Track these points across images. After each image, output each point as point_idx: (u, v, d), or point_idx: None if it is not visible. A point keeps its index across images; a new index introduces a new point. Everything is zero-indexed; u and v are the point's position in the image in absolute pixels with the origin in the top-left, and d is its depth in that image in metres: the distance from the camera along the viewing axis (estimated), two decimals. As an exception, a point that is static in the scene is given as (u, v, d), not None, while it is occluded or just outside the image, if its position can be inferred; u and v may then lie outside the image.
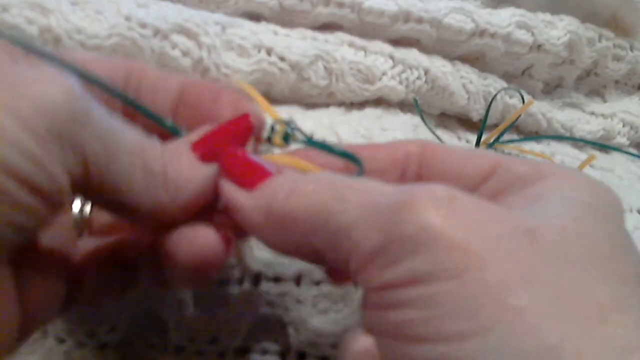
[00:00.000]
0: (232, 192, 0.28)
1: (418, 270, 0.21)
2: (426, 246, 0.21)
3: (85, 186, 0.24)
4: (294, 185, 0.25)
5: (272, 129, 0.32)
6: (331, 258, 0.24)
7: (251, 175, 0.27)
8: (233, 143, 0.29)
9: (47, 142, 0.22)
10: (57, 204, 0.23)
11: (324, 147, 0.31)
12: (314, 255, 0.25)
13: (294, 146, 0.32)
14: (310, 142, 0.32)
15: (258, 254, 0.36)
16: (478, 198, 0.23)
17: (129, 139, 0.25)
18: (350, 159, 0.30)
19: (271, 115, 0.33)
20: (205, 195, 0.28)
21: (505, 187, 0.26)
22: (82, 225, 0.30)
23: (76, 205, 0.30)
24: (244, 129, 0.30)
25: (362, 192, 0.24)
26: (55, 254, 0.27)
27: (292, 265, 0.36)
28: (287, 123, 0.32)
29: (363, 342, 0.24)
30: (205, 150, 0.28)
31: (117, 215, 0.28)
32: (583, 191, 0.24)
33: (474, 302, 0.20)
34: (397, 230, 0.21)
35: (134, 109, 0.29)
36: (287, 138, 0.32)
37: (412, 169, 0.29)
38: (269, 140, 0.32)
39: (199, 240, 0.27)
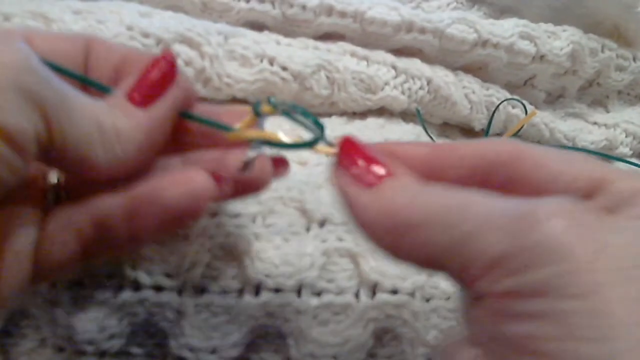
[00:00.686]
0: (350, 186, 0.27)
1: (546, 282, 0.20)
2: (555, 260, 0.20)
3: (48, 147, 0.25)
4: (416, 191, 0.25)
5: (256, 106, 0.32)
6: (447, 264, 0.24)
7: (370, 172, 0.27)
8: (163, 82, 0.30)
9: (13, 97, 0.23)
10: (27, 157, 0.24)
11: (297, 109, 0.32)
12: (426, 261, 0.25)
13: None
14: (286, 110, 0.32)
15: (259, 265, 0.36)
16: (613, 216, 0.22)
17: (81, 99, 0.27)
18: (314, 124, 0.31)
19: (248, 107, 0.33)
20: (157, 137, 0.29)
21: (613, 206, 0.24)
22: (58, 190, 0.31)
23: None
24: (167, 66, 0.30)
25: (482, 202, 0.24)
26: None
27: (292, 275, 0.36)
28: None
29: (469, 353, 0.24)
30: (140, 97, 0.29)
31: (78, 175, 0.29)
32: None
33: (602, 328, 0.19)
34: (525, 238, 0.21)
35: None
36: (274, 105, 0.32)
37: (499, 173, 0.27)
38: (257, 113, 0.31)
39: (193, 183, 0.28)
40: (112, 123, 0.27)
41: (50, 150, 0.25)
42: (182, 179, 0.29)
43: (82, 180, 0.29)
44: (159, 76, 0.30)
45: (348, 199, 0.27)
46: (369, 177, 0.27)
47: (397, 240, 0.25)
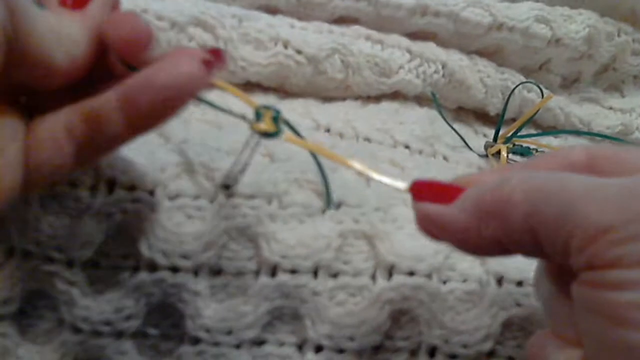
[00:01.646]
0: (431, 209, 0.28)
1: None
2: None
3: (13, 45, 0.26)
4: (500, 179, 0.26)
5: (258, 115, 0.32)
6: (548, 239, 0.24)
7: (448, 194, 0.28)
8: None
9: None
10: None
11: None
12: (526, 242, 0.25)
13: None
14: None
15: (275, 246, 0.36)
16: None
17: (35, 7, 0.27)
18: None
19: (251, 104, 0.33)
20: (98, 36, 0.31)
21: None
22: None
23: None
24: None
25: (580, 178, 0.24)
26: None
27: (309, 257, 0.36)
28: (269, 107, 0.33)
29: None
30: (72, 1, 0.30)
31: (38, 82, 0.29)
32: None
33: None
34: (633, 211, 0.21)
35: None
36: (276, 120, 0.32)
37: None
38: (256, 122, 0.32)
39: (184, 65, 0.29)
40: (62, 26, 0.29)
41: (14, 49, 0.26)
42: (174, 62, 0.29)
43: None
44: None
45: (434, 219, 0.28)
46: (447, 196, 0.28)
47: (491, 225, 0.26)
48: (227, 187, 0.35)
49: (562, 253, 0.23)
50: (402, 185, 0.30)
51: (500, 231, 0.26)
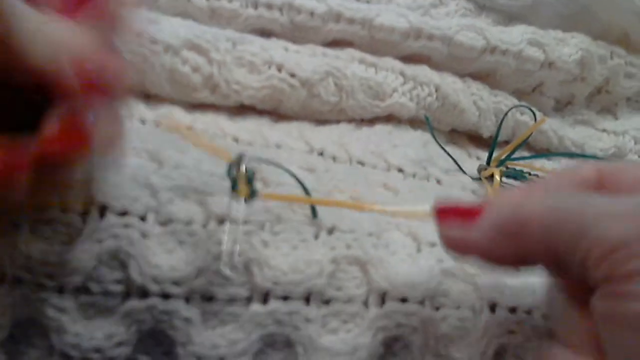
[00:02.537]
0: (454, 233, 0.30)
1: None
2: None
3: None
4: (519, 197, 0.28)
5: (231, 178, 0.32)
6: (566, 256, 0.25)
7: (469, 214, 0.30)
8: None
9: None
10: None
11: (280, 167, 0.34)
12: (546, 260, 0.27)
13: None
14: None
15: (267, 272, 0.35)
16: None
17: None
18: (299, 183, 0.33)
19: (222, 157, 0.33)
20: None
21: None
22: None
23: None
24: None
25: (599, 197, 0.26)
26: None
27: (301, 283, 0.36)
28: (240, 160, 0.32)
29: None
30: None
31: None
32: None
33: None
34: None
35: None
36: (250, 180, 0.32)
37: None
38: (234, 188, 0.32)
39: None
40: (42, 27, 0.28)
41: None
42: None
43: None
44: None
45: (462, 241, 0.30)
46: (468, 216, 0.30)
47: (512, 245, 0.28)
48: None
49: (580, 268, 0.25)
50: (425, 209, 0.32)
51: (520, 250, 0.27)
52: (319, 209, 0.38)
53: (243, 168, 0.33)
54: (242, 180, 0.32)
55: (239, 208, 0.32)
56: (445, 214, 0.31)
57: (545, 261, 0.27)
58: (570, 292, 0.28)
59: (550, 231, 0.26)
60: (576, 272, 0.25)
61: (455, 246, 0.30)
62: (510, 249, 0.28)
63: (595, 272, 0.24)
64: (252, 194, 0.32)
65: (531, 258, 0.28)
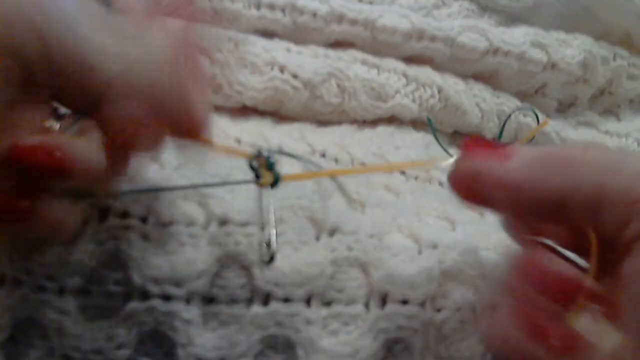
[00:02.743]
0: (484, 165, 0.29)
1: None
2: None
3: (46, 66, 0.24)
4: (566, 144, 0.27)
5: (252, 168, 0.32)
6: (612, 205, 0.24)
7: (501, 151, 0.29)
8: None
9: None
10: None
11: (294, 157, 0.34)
12: (586, 204, 0.25)
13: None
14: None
15: (268, 274, 0.35)
16: None
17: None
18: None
19: (242, 155, 0.32)
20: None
21: None
22: None
23: None
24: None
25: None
26: None
27: (302, 284, 0.36)
28: (258, 155, 0.32)
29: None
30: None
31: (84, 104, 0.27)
32: None
33: None
34: None
35: None
36: (271, 167, 0.32)
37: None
38: (257, 180, 0.32)
39: None
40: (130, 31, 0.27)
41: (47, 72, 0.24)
42: None
43: None
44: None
45: (493, 172, 0.28)
46: (503, 153, 0.28)
47: (569, 177, 0.26)
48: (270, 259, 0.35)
49: (622, 221, 0.24)
50: (449, 161, 0.32)
51: (564, 187, 0.26)
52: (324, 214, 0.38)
53: (265, 154, 0.32)
54: (264, 166, 0.32)
55: (269, 195, 0.32)
56: (476, 145, 0.30)
57: (584, 207, 0.25)
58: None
59: (605, 178, 0.25)
60: (615, 225, 0.24)
61: (479, 183, 0.29)
62: (551, 185, 0.26)
63: (620, 226, 0.24)
64: (275, 181, 0.32)
65: (570, 201, 0.25)
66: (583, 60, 0.60)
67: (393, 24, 0.53)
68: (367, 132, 0.52)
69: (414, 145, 0.52)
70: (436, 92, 0.54)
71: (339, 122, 0.52)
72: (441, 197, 0.46)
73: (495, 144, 0.30)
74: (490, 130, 0.57)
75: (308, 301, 0.36)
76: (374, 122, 0.54)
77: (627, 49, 0.65)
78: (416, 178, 0.49)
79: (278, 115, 0.51)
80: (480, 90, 0.56)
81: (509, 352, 0.27)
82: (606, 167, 0.25)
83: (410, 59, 0.55)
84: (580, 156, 0.26)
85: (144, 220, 0.35)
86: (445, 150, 0.52)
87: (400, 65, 0.53)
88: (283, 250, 0.37)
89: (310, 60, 0.50)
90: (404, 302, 0.36)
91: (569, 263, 0.28)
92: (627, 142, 0.63)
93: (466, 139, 0.30)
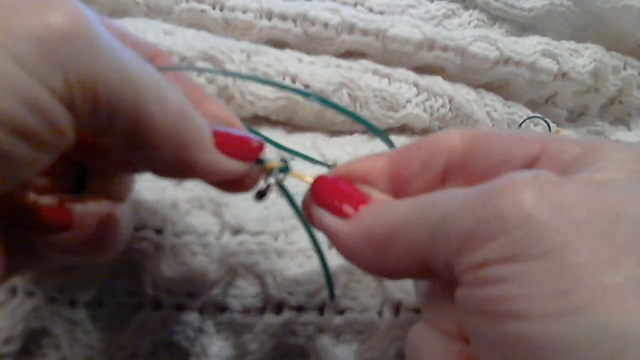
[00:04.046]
0: (329, 221, 0.28)
1: (508, 249, 0.21)
2: (516, 226, 0.21)
3: (94, 119, 0.23)
4: (389, 205, 0.27)
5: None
6: (432, 260, 0.24)
7: (347, 201, 0.28)
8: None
9: (47, 77, 0.21)
10: (55, 147, 0.23)
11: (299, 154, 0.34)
12: (416, 265, 0.25)
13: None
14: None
15: (281, 282, 0.35)
16: (564, 178, 0.23)
17: (144, 68, 0.25)
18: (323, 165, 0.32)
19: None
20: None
21: (557, 171, 0.25)
22: None
23: None
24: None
25: (447, 194, 0.25)
26: None
27: (315, 293, 0.36)
28: (271, 170, 0.32)
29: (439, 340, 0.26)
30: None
31: (130, 154, 0.27)
32: None
33: (567, 281, 0.19)
34: (487, 212, 0.22)
35: None
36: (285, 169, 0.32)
37: (455, 162, 0.28)
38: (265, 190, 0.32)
39: None
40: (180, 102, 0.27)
41: (95, 123, 0.24)
42: None
43: None
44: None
45: (330, 232, 0.28)
46: (345, 209, 0.28)
47: (383, 254, 0.26)
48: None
49: (447, 271, 0.24)
50: (309, 179, 0.30)
51: (388, 264, 0.26)
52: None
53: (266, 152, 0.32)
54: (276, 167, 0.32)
55: (277, 177, 0.32)
56: (325, 189, 0.29)
57: (415, 267, 0.25)
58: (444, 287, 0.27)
59: (410, 235, 0.25)
60: (446, 273, 0.24)
61: (327, 234, 0.28)
62: (390, 262, 0.26)
63: (456, 268, 0.23)
64: (283, 168, 0.32)
65: (400, 267, 0.26)
66: (594, 70, 0.60)
67: (404, 34, 0.53)
68: (379, 141, 0.52)
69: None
70: (447, 101, 0.54)
71: (350, 132, 0.52)
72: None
73: (345, 186, 0.29)
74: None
75: (321, 309, 0.36)
76: (385, 132, 0.54)
77: (637, 58, 0.65)
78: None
79: (290, 124, 0.51)
80: (492, 100, 0.56)
81: None
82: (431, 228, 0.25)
83: (421, 69, 0.55)
84: (393, 233, 0.26)
85: (158, 231, 0.35)
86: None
87: (412, 75, 0.53)
88: (296, 259, 0.37)
89: (322, 70, 0.50)
90: (417, 310, 0.36)
91: None
92: (639, 152, 0.63)
93: (317, 178, 0.30)
